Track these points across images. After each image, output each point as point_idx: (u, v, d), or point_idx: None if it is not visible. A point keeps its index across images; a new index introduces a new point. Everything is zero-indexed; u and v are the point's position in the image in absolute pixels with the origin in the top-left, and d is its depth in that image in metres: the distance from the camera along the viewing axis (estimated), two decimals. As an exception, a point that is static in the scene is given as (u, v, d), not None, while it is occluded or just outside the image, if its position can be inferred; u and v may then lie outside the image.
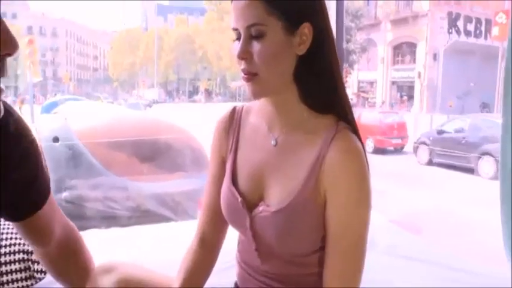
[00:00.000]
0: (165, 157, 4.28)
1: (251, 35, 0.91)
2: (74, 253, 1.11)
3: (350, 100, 1.03)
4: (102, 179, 3.97)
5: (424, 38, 29.21)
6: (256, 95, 0.96)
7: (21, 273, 1.49)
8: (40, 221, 0.98)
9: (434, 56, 28.35)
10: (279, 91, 0.96)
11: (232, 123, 1.09)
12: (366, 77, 33.56)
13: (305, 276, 1.00)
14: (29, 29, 47.60)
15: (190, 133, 4.75)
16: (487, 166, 9.99)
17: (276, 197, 0.97)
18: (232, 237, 1.13)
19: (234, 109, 1.11)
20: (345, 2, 2.51)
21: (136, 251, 1.87)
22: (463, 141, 10.90)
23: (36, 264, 1.50)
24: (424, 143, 12.00)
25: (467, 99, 25.36)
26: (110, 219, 3.60)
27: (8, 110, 0.84)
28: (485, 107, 25.68)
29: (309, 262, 0.99)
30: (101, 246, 1.26)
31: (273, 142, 1.00)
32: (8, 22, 0.67)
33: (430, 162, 11.61)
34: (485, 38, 29.24)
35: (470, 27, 29.87)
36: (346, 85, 1.03)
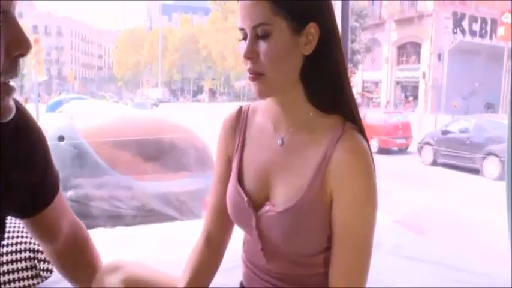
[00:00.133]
0: (170, 156, 4.29)
1: (257, 34, 0.91)
2: (82, 250, 1.11)
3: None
4: (107, 178, 3.99)
5: (429, 38, 29.13)
6: (262, 94, 0.96)
7: (27, 271, 1.49)
8: (49, 217, 0.98)
9: (439, 56, 28.27)
10: (285, 91, 0.96)
11: (239, 123, 1.09)
12: (370, 77, 33.50)
13: (310, 276, 1.00)
14: (35, 28, 47.75)
15: (195, 132, 4.76)
16: (491, 167, 9.96)
17: (282, 196, 0.97)
18: (238, 237, 1.14)
19: (240, 109, 1.11)
20: (350, 1, 2.51)
21: (141, 250, 1.88)
22: (468, 142, 10.87)
23: (42, 262, 1.51)
24: (429, 143, 11.97)
25: (472, 100, 25.27)
26: (115, 218, 3.60)
27: (17, 106, 0.84)
28: (490, 107, 25.58)
29: (315, 262, 0.99)
30: (106, 245, 1.27)
31: (279, 142, 1.00)
32: (15, 21, 0.68)
33: (434, 163, 11.58)
34: (491, 38, 29.13)
35: (476, 27, 29.75)
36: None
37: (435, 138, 11.88)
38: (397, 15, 31.30)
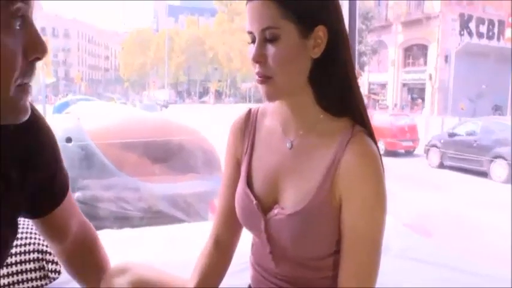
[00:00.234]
0: (177, 158, 4.29)
1: (266, 38, 0.91)
2: (90, 251, 1.11)
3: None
4: (115, 179, 4.00)
5: (436, 39, 29.03)
6: (271, 97, 0.96)
7: (35, 272, 1.50)
8: (59, 217, 0.99)
9: (446, 58, 28.15)
10: (293, 94, 0.96)
11: (248, 126, 1.09)
12: (376, 79, 33.43)
13: (319, 279, 1.00)
14: (42, 29, 48.04)
15: (202, 134, 4.76)
16: (499, 169, 9.91)
17: (291, 200, 0.97)
18: (246, 240, 1.14)
19: (249, 111, 1.11)
20: (357, 2, 2.50)
21: (148, 251, 1.88)
22: (475, 144, 10.81)
23: (50, 264, 1.51)
24: (435, 146, 11.93)
25: (479, 102, 25.14)
26: (122, 220, 3.61)
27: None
28: (498, 109, 25.46)
29: (323, 265, 0.98)
30: (113, 247, 1.27)
31: (288, 145, 1.00)
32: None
33: (441, 165, 11.53)
34: (498, 39, 29.00)
35: (483, 28, 29.63)
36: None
37: (442, 141, 11.84)
38: (403, 17, 31.22)
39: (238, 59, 39.64)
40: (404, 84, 32.41)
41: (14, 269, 1.46)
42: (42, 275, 1.51)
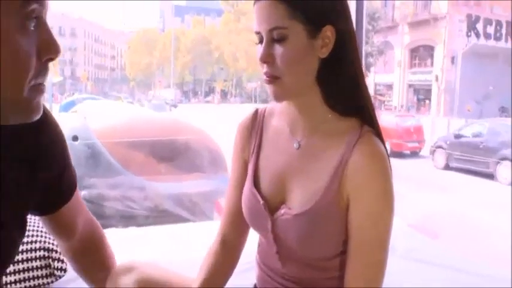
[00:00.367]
0: (183, 157, 4.29)
1: (273, 38, 0.91)
2: (97, 248, 1.12)
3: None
4: (121, 178, 4.01)
5: (442, 41, 28.93)
6: (279, 97, 0.96)
7: (41, 270, 1.50)
8: (66, 215, 0.99)
9: (452, 59, 28.03)
10: (301, 94, 0.96)
11: (255, 126, 1.08)
12: (382, 80, 33.35)
13: (325, 280, 0.99)
14: (49, 29, 48.06)
15: (208, 134, 4.77)
16: (505, 171, 9.86)
17: (298, 200, 0.97)
18: (251, 239, 1.14)
19: (256, 111, 1.11)
20: (365, 2, 2.50)
21: (153, 250, 1.89)
22: (481, 146, 10.77)
23: (56, 261, 1.52)
24: (441, 147, 11.88)
25: (485, 103, 25.01)
26: (128, 219, 3.62)
27: None
28: (504, 111, 25.31)
29: (330, 266, 0.98)
30: (119, 246, 1.27)
31: (295, 145, 1.00)
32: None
33: (446, 167, 11.49)
34: (506, 40, 28.85)
35: (490, 29, 29.49)
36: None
37: (448, 142, 11.80)
38: (410, 18, 31.13)
39: (244, 59, 39.65)
40: (410, 85, 32.32)
41: (21, 266, 1.47)
42: (48, 273, 1.51)
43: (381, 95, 33.05)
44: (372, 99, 1.03)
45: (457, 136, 11.81)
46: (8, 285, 1.44)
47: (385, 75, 32.78)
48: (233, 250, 1.13)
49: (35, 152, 0.86)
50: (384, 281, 0.94)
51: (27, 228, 1.52)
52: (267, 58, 0.92)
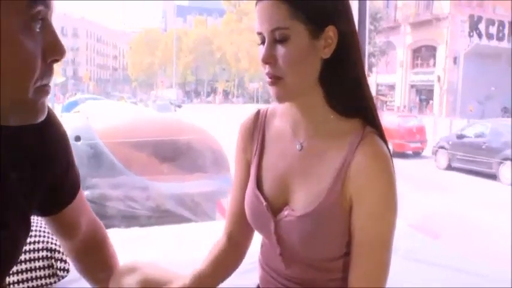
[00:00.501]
0: (186, 158, 4.29)
1: (275, 39, 0.91)
2: (100, 249, 1.12)
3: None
4: (123, 178, 4.01)
5: (444, 41, 28.89)
6: (281, 98, 0.96)
7: (44, 270, 1.50)
8: (70, 214, 0.99)
9: (455, 60, 28.01)
10: (303, 94, 0.96)
11: (257, 126, 1.08)
12: (384, 80, 33.32)
13: (329, 281, 0.99)
14: (51, 29, 48.08)
15: (210, 134, 4.76)
16: (507, 172, 9.84)
17: (301, 201, 0.96)
18: (254, 239, 1.13)
19: (258, 112, 1.11)
20: (367, 2, 2.50)
21: (155, 251, 1.89)
22: (484, 146, 10.75)
23: (59, 262, 1.52)
24: (443, 148, 11.87)
25: (488, 104, 24.98)
26: (130, 219, 3.62)
27: None
28: (507, 111, 25.26)
29: (333, 267, 0.98)
30: (121, 246, 1.28)
31: (298, 147, 1.00)
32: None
33: (449, 167, 11.47)
34: (508, 41, 28.79)
35: (493, 30, 29.43)
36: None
37: (450, 142, 11.79)
38: (412, 18, 31.09)
39: (246, 59, 39.68)
40: (412, 86, 32.29)
41: (23, 266, 1.47)
42: (50, 273, 1.51)
43: (382, 95, 33.01)
44: (374, 99, 1.03)
45: (460, 136, 11.80)
46: (11, 286, 1.44)
47: (387, 76, 32.74)
48: (239, 248, 1.13)
49: (39, 152, 0.86)
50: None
51: (30, 228, 1.53)
52: (269, 59, 0.91)
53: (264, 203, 1.00)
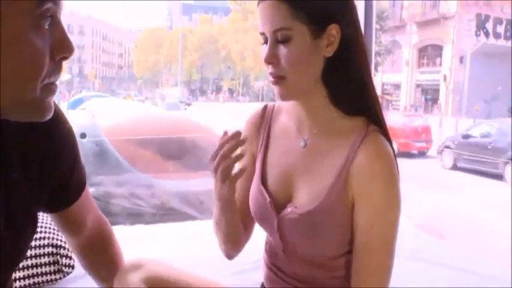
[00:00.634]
0: (191, 155, 4.30)
1: (277, 39, 0.91)
2: (106, 246, 1.12)
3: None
4: (128, 176, 4.02)
5: (451, 40, 28.73)
6: (284, 97, 0.96)
7: (49, 266, 1.51)
8: (76, 211, 1.00)
9: (461, 59, 27.85)
10: (306, 93, 0.96)
11: (263, 121, 1.09)
12: (390, 79, 33.21)
13: (331, 279, 0.99)
14: (57, 26, 48.23)
15: (215, 132, 4.77)
16: (514, 172, 9.79)
17: (304, 198, 0.97)
18: (257, 237, 1.14)
19: (265, 107, 1.11)
20: (374, 3, 2.48)
21: (160, 248, 1.89)
22: (490, 146, 10.70)
23: (64, 258, 1.53)
24: (449, 147, 11.82)
25: (494, 104, 24.83)
26: (135, 216, 3.63)
27: None
28: (514, 111, 25.11)
29: (336, 265, 0.98)
30: (126, 243, 1.28)
31: (302, 144, 1.00)
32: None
33: (454, 167, 11.42)
34: (516, 40, 28.59)
35: (500, 29, 29.23)
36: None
37: (456, 142, 11.73)
38: (418, 17, 30.96)
39: (251, 57, 39.65)
40: (418, 85, 32.16)
41: (29, 262, 1.48)
42: (56, 269, 1.52)
43: (388, 94, 32.90)
44: (379, 98, 1.03)
45: (465, 136, 11.74)
46: (17, 281, 1.45)
47: (392, 75, 32.63)
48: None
49: (46, 150, 0.87)
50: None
51: (36, 224, 1.54)
52: (271, 59, 0.92)
53: (268, 199, 1.01)
